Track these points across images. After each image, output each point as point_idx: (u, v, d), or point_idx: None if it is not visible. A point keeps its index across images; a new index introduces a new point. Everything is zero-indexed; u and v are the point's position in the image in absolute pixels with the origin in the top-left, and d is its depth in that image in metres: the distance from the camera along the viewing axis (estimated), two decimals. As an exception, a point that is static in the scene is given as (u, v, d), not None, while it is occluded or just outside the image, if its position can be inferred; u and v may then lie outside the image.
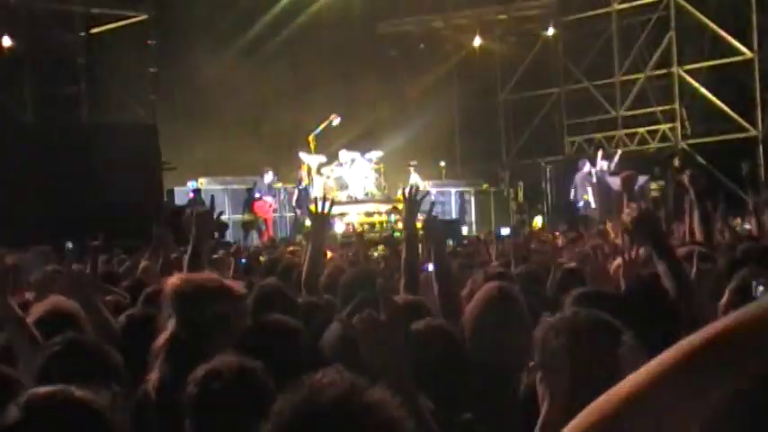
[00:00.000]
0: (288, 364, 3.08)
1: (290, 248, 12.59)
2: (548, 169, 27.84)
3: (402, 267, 5.11)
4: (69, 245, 8.26)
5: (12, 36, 19.70)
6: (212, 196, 20.92)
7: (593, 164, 24.16)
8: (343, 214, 23.01)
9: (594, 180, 24.03)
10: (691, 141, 26.61)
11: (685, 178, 5.91)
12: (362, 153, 23.61)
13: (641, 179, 21.47)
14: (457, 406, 3.19)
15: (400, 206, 24.10)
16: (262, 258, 11.04)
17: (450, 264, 5.22)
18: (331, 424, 1.71)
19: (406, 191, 5.40)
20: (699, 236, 5.90)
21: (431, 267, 4.71)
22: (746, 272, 3.93)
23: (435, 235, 4.97)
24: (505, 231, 19.82)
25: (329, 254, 11.73)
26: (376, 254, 11.44)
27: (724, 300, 3.81)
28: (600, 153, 24.74)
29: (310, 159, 22.96)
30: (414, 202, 5.30)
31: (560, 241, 13.01)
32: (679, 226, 10.11)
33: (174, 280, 3.74)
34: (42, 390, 2.31)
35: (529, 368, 2.91)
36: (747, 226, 14.17)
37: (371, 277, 4.88)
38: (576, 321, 2.84)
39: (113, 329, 4.57)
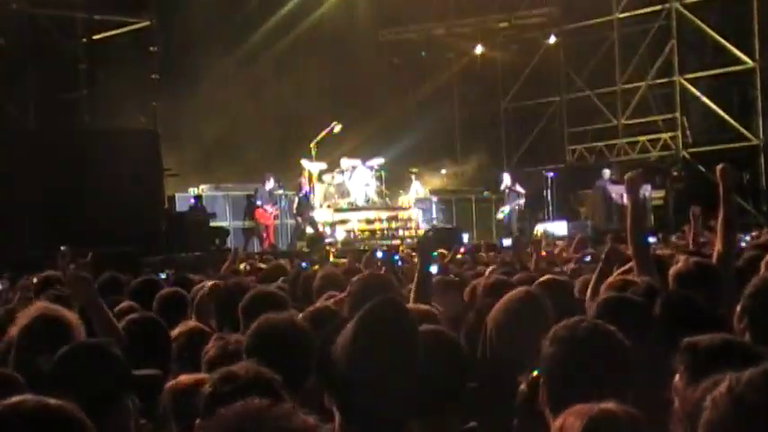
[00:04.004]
0: (296, 370, 3.08)
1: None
2: (549, 177, 27.80)
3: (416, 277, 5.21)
4: (63, 248, 8.25)
5: (13, 41, 19.68)
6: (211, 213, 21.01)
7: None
8: (343, 221, 23.01)
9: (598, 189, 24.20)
10: (692, 150, 26.60)
11: (717, 171, 5.56)
12: (364, 160, 23.61)
13: (644, 187, 21.52)
14: (459, 413, 3.19)
15: (401, 214, 24.20)
16: (262, 265, 11.04)
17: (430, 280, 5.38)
18: None
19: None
20: (718, 241, 5.51)
21: (433, 269, 4.80)
22: (761, 279, 3.94)
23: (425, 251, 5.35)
24: (507, 242, 19.74)
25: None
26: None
27: (740, 306, 3.82)
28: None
29: (312, 166, 22.96)
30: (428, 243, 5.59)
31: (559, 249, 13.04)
32: (683, 232, 10.07)
33: None
34: (15, 399, 2.27)
35: (532, 374, 2.96)
36: (748, 237, 14.17)
37: (383, 283, 4.90)
38: (576, 331, 2.92)
39: (119, 332, 4.55)
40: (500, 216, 24.87)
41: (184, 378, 3.59)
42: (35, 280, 7.94)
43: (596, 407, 2.45)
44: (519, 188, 25.03)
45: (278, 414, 1.89)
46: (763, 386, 1.92)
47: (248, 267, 10.51)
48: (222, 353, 4.10)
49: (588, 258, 9.31)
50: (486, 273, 6.50)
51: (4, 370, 3.42)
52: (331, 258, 12.64)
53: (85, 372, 3.27)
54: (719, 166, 5.54)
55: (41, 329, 4.01)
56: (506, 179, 25.10)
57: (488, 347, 3.88)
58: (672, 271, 5.15)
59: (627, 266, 5.89)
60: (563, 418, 2.51)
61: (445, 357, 3.14)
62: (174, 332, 4.97)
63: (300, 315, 4.56)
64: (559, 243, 15.78)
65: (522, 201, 25.03)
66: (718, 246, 5.46)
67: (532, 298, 4.05)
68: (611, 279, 5.31)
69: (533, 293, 4.14)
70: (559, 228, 24.14)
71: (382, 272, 7.12)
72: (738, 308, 3.82)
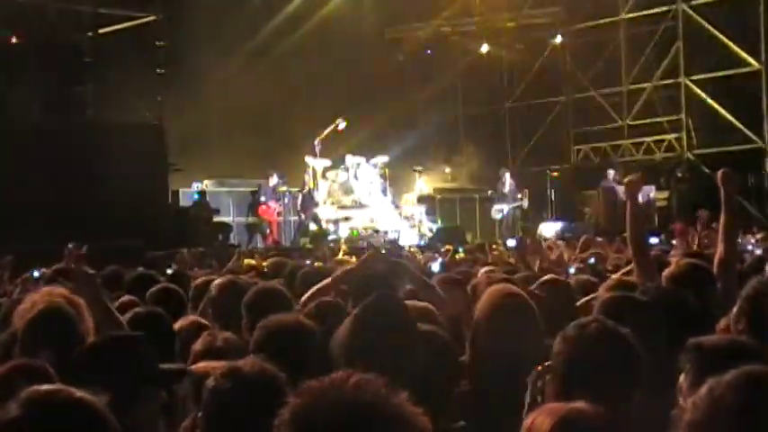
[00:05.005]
0: (300, 365, 3.07)
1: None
2: (553, 177, 27.78)
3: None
4: (70, 246, 8.24)
5: (19, 35, 19.69)
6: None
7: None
8: (347, 218, 23.02)
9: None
10: (697, 152, 26.55)
11: (719, 175, 5.57)
12: (368, 158, 23.61)
13: (647, 189, 21.48)
14: (446, 412, 3.17)
15: (405, 212, 24.18)
16: (253, 261, 11.03)
17: None
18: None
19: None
20: (720, 245, 5.47)
21: (434, 267, 4.76)
22: (758, 281, 3.94)
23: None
24: (511, 243, 19.70)
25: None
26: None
27: (736, 307, 3.82)
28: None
29: (316, 163, 22.97)
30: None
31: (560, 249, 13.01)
32: (685, 235, 10.07)
33: None
34: (42, 388, 2.29)
35: (537, 371, 2.97)
36: (753, 240, 14.16)
37: (383, 278, 4.90)
38: (585, 330, 2.94)
39: (123, 328, 4.55)
40: (498, 216, 24.78)
41: (203, 365, 3.60)
42: (36, 273, 7.94)
43: (567, 406, 2.50)
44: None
45: (394, 404, 1.74)
46: (742, 388, 1.92)
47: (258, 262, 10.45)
48: (209, 348, 4.11)
49: (593, 260, 9.30)
50: (480, 272, 6.44)
51: (35, 361, 3.41)
52: (340, 255, 12.59)
53: (112, 365, 3.26)
54: (721, 171, 5.55)
55: (46, 324, 4.00)
56: (509, 179, 25.02)
57: (473, 347, 3.82)
58: (666, 272, 5.15)
59: (627, 268, 5.89)
60: (533, 416, 2.55)
61: (436, 358, 3.11)
62: (176, 326, 4.97)
63: (306, 309, 4.57)
64: (560, 243, 15.76)
65: (524, 202, 24.94)
66: (719, 249, 5.46)
67: (513, 295, 3.92)
68: (610, 281, 5.31)
69: (514, 291, 4.01)
70: (555, 228, 24.12)
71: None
72: (735, 309, 3.81)
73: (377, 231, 22.77)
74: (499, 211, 24.71)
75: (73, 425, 2.19)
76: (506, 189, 24.84)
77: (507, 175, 25.16)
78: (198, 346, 4.23)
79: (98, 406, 2.26)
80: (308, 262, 10.57)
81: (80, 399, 2.25)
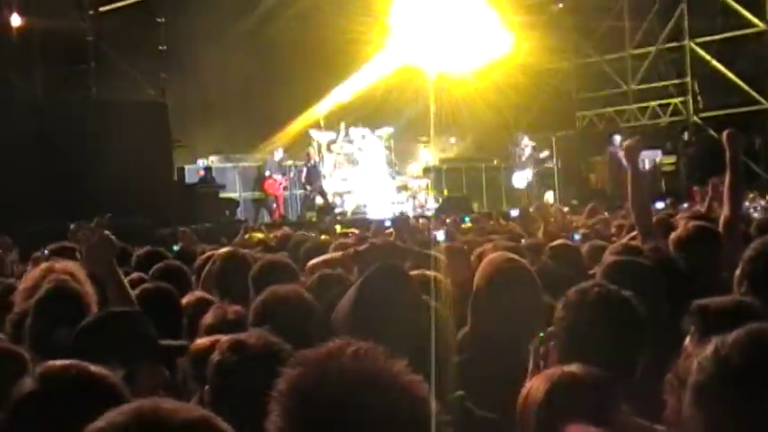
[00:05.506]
0: (303, 337, 3.08)
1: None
2: (559, 143, 27.70)
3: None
4: (72, 226, 8.25)
5: (21, 15, 19.64)
6: None
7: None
8: (353, 191, 23.01)
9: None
10: (703, 115, 26.44)
11: (724, 136, 5.58)
12: (373, 129, 23.55)
13: (649, 153, 21.41)
14: (446, 381, 3.17)
15: (410, 183, 24.13)
16: (261, 235, 11.07)
17: None
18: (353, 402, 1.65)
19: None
20: (725, 206, 5.47)
21: (439, 236, 4.78)
22: (759, 242, 3.93)
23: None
24: (515, 213, 19.70)
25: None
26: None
27: (738, 270, 3.81)
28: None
29: (320, 136, 22.93)
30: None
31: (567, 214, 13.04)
32: (695, 196, 10.05)
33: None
34: (58, 363, 2.31)
35: (539, 337, 2.96)
36: (762, 202, 14.14)
37: (387, 251, 4.90)
38: (587, 296, 2.92)
39: (133, 301, 4.55)
40: (522, 184, 24.66)
41: (202, 341, 3.60)
42: (47, 252, 7.96)
43: (560, 370, 2.53)
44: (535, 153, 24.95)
45: (393, 373, 1.70)
46: (748, 348, 1.91)
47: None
48: (221, 321, 4.11)
49: (599, 226, 9.30)
50: (491, 245, 6.46)
51: (11, 346, 3.41)
52: (338, 229, 12.62)
53: (112, 340, 3.27)
54: (726, 132, 5.55)
55: (56, 303, 4.00)
56: (528, 143, 24.96)
57: (474, 315, 3.81)
58: (672, 235, 5.15)
59: (633, 233, 5.89)
60: (530, 384, 2.58)
61: (429, 329, 3.09)
62: (183, 302, 4.98)
63: (308, 282, 4.58)
64: (565, 210, 15.77)
65: (547, 164, 24.95)
66: (724, 210, 5.46)
67: (511, 261, 3.91)
68: (615, 245, 5.31)
69: (512, 257, 4.00)
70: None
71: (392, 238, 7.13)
72: (737, 272, 3.80)
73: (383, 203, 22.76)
74: (524, 178, 24.60)
75: (88, 399, 2.20)
76: (525, 155, 24.74)
77: (526, 138, 25.04)
78: (208, 319, 4.23)
79: (113, 380, 2.27)
80: (312, 235, 10.61)
81: (95, 373, 2.26)
